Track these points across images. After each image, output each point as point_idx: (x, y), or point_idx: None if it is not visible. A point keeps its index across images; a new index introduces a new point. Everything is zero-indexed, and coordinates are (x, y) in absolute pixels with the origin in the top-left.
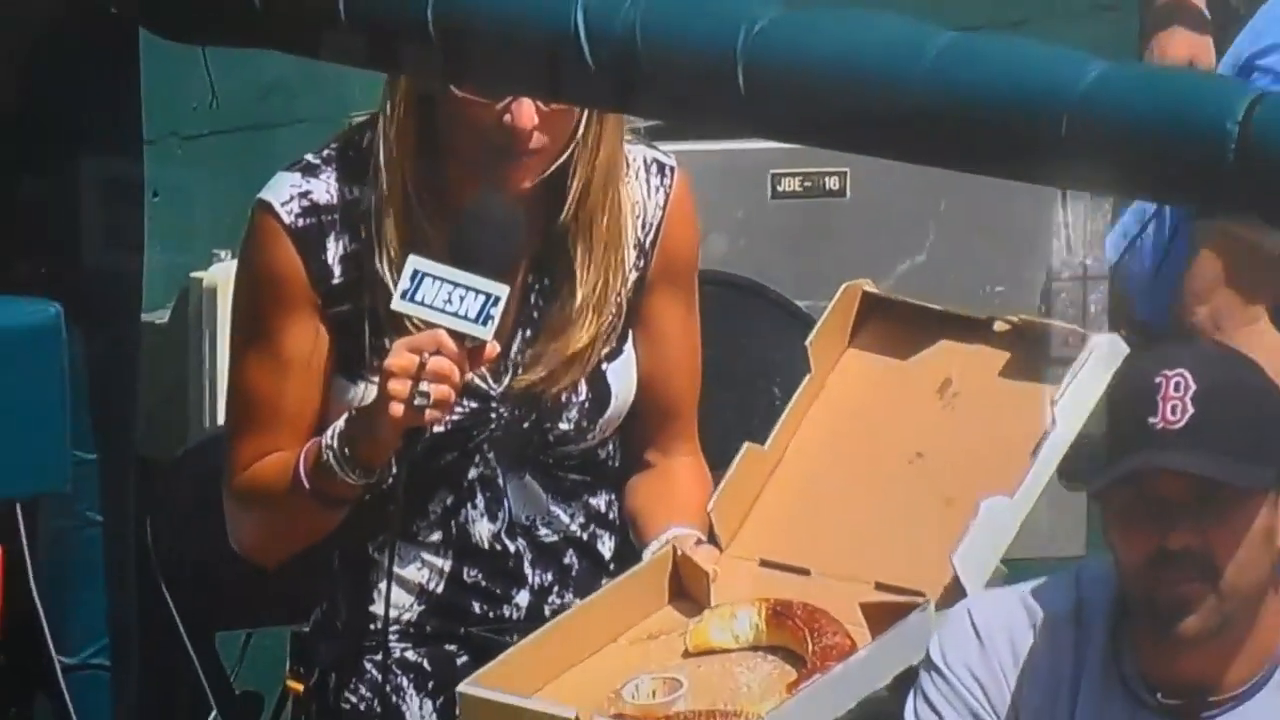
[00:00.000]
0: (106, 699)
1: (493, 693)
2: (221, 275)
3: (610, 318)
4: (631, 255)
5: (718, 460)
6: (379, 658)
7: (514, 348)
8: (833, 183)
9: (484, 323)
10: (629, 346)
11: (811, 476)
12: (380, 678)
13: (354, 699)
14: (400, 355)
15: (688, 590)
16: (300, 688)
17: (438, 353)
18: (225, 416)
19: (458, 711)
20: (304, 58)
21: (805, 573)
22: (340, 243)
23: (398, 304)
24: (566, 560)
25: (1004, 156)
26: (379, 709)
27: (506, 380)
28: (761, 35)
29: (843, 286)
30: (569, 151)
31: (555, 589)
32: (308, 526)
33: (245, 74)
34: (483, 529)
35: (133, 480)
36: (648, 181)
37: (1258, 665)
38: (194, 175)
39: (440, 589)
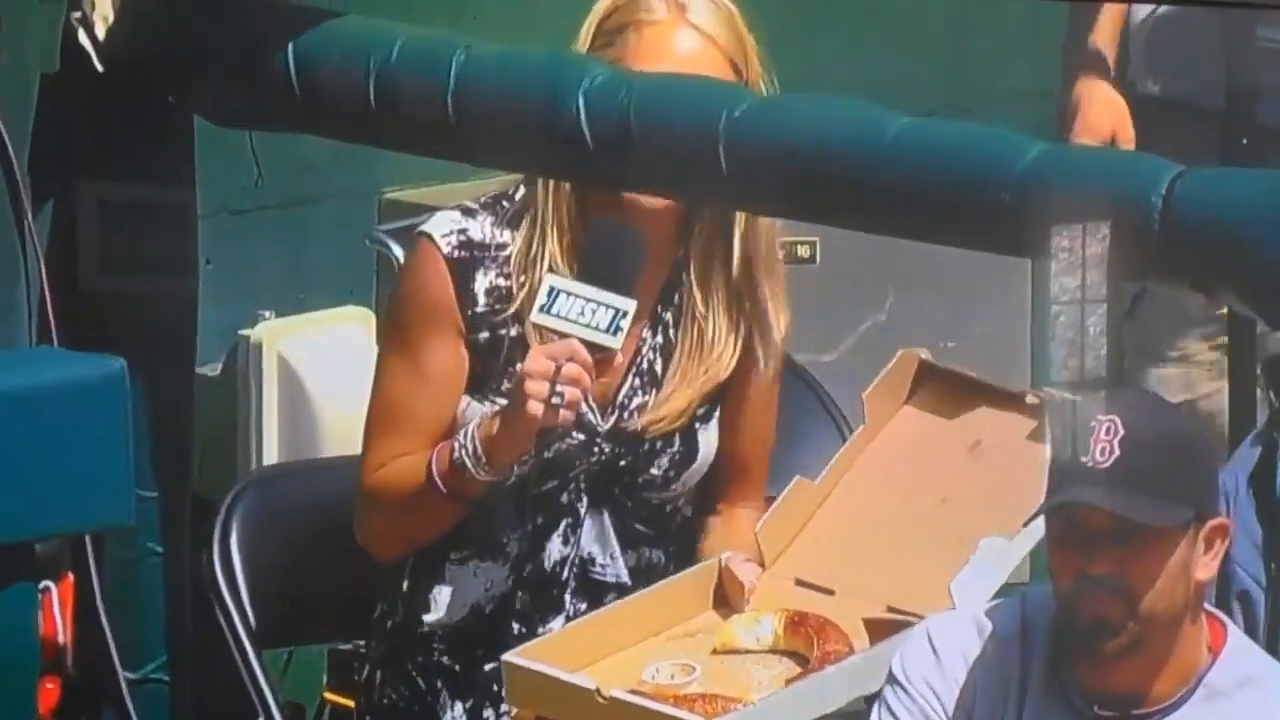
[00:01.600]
0: (166, 710)
1: (532, 663)
2: (266, 332)
3: (712, 383)
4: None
5: None
6: (421, 659)
7: (623, 391)
8: (804, 251)
9: (614, 333)
10: (718, 411)
11: (853, 511)
12: (419, 680)
13: (394, 696)
14: (538, 360)
15: (728, 598)
16: (339, 699)
17: (571, 359)
18: (366, 420)
19: (504, 676)
20: (339, 140)
21: (830, 593)
22: (488, 276)
23: (537, 317)
24: (605, 600)
25: (955, 226)
26: (416, 709)
27: (612, 420)
28: (741, 119)
29: (899, 353)
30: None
31: None
32: (429, 522)
33: (287, 155)
34: (553, 553)
35: (189, 515)
36: None
37: (1182, 680)
38: (242, 244)
39: (490, 609)
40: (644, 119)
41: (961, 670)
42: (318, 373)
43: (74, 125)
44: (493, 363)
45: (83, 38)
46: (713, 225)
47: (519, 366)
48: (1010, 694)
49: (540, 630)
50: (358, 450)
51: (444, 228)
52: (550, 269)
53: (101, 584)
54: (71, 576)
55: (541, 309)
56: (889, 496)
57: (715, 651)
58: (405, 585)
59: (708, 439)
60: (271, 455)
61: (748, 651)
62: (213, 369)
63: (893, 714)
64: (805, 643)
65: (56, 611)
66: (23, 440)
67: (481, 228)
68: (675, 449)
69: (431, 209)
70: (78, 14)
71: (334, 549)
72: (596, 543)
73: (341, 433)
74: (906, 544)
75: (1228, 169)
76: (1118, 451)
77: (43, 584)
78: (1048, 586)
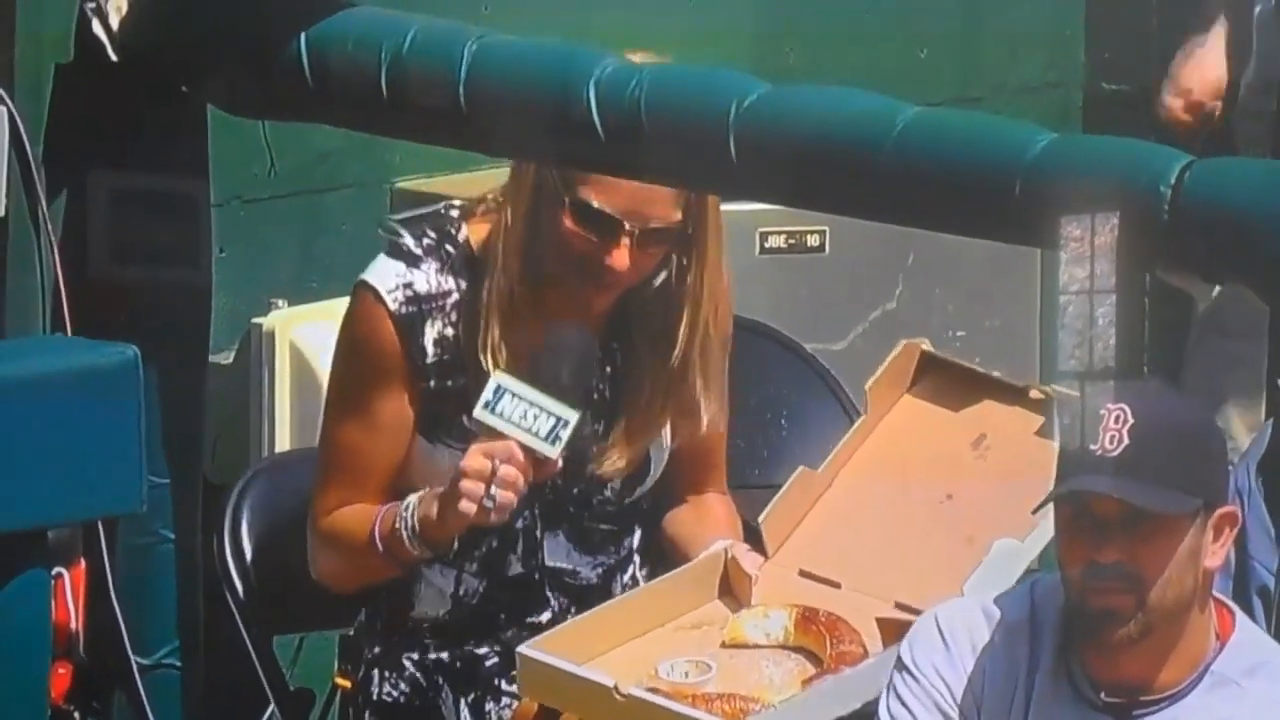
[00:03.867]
0: (177, 695)
1: (547, 656)
2: (279, 320)
3: (655, 433)
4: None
5: (729, 484)
6: (416, 656)
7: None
8: (813, 240)
9: (552, 442)
10: (668, 424)
11: (855, 503)
12: (418, 675)
13: (394, 694)
14: (476, 459)
15: (733, 589)
16: (348, 684)
17: (508, 462)
18: (317, 465)
19: (517, 670)
20: (352, 130)
21: (837, 586)
22: (435, 327)
23: (479, 414)
24: (586, 597)
25: (964, 217)
26: (417, 704)
27: (563, 458)
28: (750, 109)
29: (901, 343)
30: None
31: (572, 609)
32: (376, 572)
33: (300, 144)
34: (515, 568)
35: (200, 502)
36: None
37: (1189, 668)
38: (255, 233)
39: (474, 603)
40: (654, 108)
41: (970, 658)
42: (329, 361)
43: (88, 115)
44: (443, 408)
45: (97, 27)
46: (661, 303)
47: (466, 418)
48: (1019, 681)
49: (528, 621)
50: None
51: (388, 282)
52: (508, 310)
53: (113, 570)
54: (84, 563)
55: (486, 406)
56: (892, 490)
57: (724, 644)
58: (384, 588)
59: (660, 454)
60: (284, 442)
61: (756, 646)
62: (225, 357)
63: (902, 702)
64: (817, 640)
65: (69, 597)
66: (36, 427)
67: (427, 278)
68: (627, 471)
69: (444, 198)
70: (92, 4)
71: None
72: (557, 557)
73: None
74: (912, 539)
75: (1238, 159)
76: (1127, 440)
77: (55, 570)
78: (1056, 574)
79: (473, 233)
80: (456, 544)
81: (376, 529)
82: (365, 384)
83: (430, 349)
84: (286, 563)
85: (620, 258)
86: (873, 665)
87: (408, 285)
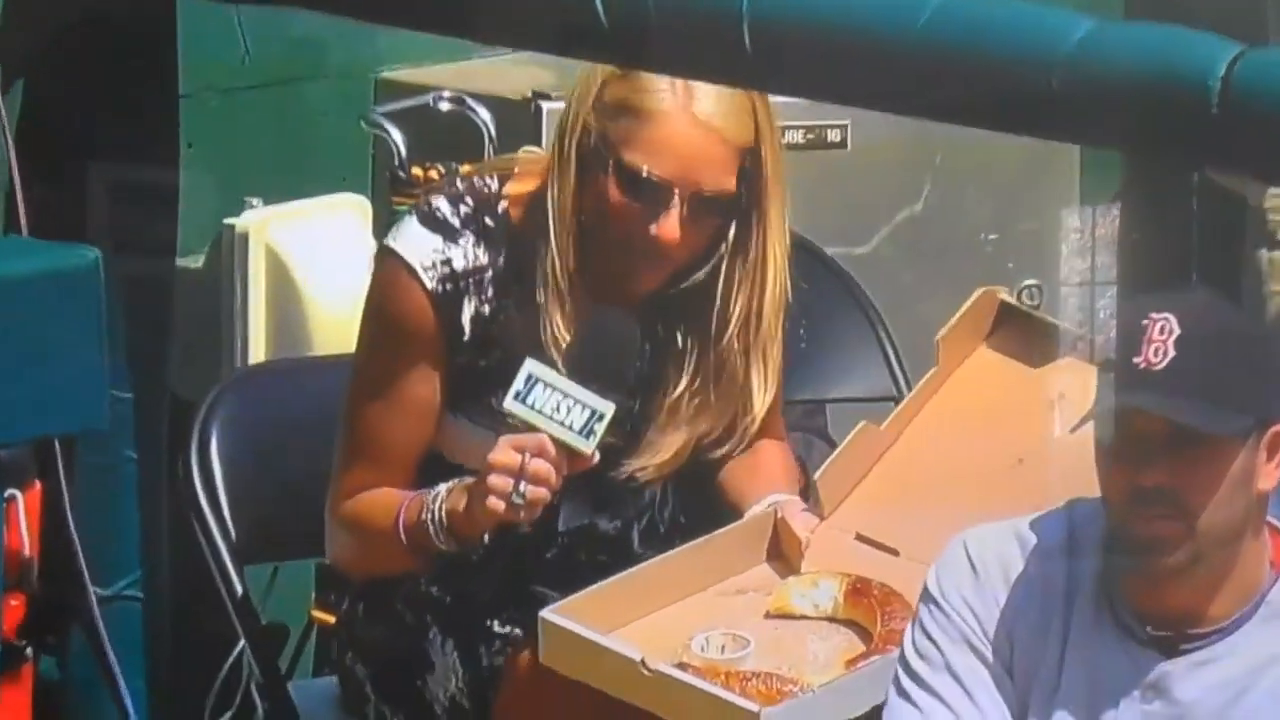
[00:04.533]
0: (139, 629)
1: (571, 623)
2: (254, 221)
3: (710, 422)
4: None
5: None
6: (404, 591)
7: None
8: (834, 135)
9: (586, 436)
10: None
11: (919, 464)
12: (405, 613)
13: (381, 631)
14: (505, 452)
15: (783, 552)
16: (328, 618)
17: (539, 455)
18: (338, 444)
19: (539, 635)
20: (332, 14)
21: (895, 553)
22: (472, 304)
23: (509, 404)
24: (606, 543)
25: (996, 111)
26: (403, 643)
27: (596, 459)
28: None
29: (979, 290)
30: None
31: (581, 552)
32: (398, 562)
33: (276, 30)
34: (523, 528)
35: (167, 419)
36: None
37: (1242, 599)
38: (227, 127)
39: (478, 553)
40: None
41: (1002, 587)
42: (309, 265)
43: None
44: (472, 385)
45: None
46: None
47: (494, 399)
48: (1055, 612)
49: (540, 558)
50: (349, 348)
51: (424, 256)
52: (560, 286)
53: (71, 493)
54: (39, 485)
55: (516, 396)
56: (960, 451)
57: (768, 614)
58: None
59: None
60: (258, 353)
61: (804, 618)
62: (195, 260)
63: (928, 635)
64: (868, 614)
65: (22, 522)
66: None
67: (464, 253)
68: (665, 471)
69: (432, 89)
70: None
71: (324, 455)
72: (574, 519)
73: (334, 329)
74: (977, 507)
75: None
76: (1172, 352)
77: (7, 492)
78: (1097, 497)
79: (512, 205)
80: (486, 539)
81: (401, 518)
82: (395, 363)
83: (468, 327)
84: (259, 485)
85: (670, 227)
86: None
87: (445, 261)
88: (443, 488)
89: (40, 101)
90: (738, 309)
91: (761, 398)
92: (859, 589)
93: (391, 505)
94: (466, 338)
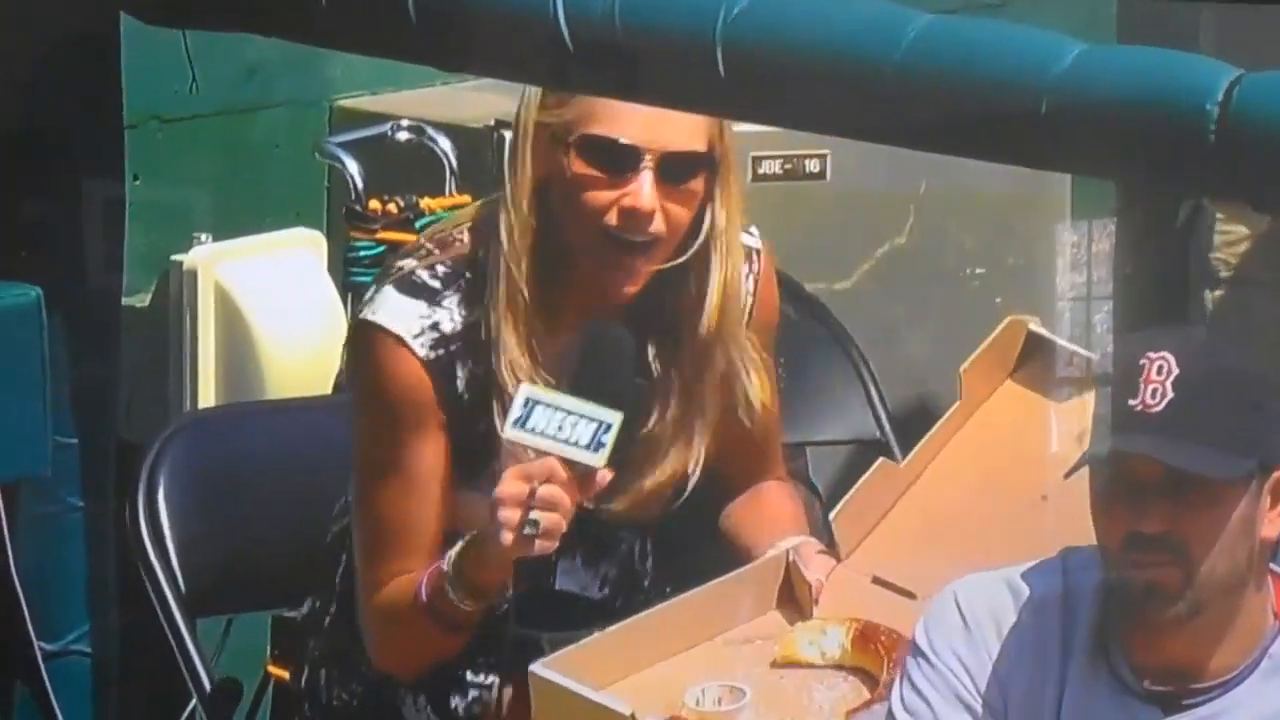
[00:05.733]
0: (88, 686)
1: (557, 677)
2: (203, 258)
3: (697, 448)
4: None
5: None
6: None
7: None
8: (813, 165)
9: (596, 450)
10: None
11: (940, 503)
12: (373, 673)
13: (346, 696)
14: (511, 483)
15: (795, 597)
16: (283, 673)
17: (548, 481)
18: (357, 540)
19: (530, 690)
20: (284, 40)
21: (912, 596)
22: (466, 367)
23: (510, 432)
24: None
25: (984, 139)
26: (373, 705)
27: (591, 505)
28: (740, 18)
29: (1006, 320)
30: (683, 258)
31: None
32: (433, 647)
33: (226, 57)
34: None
35: (114, 464)
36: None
37: (1244, 652)
38: (175, 158)
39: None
40: (630, 19)
41: (995, 641)
42: (261, 304)
43: None
44: (480, 451)
45: None
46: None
47: (496, 462)
48: (1050, 666)
49: (523, 600)
50: (305, 391)
51: (410, 324)
52: (525, 326)
53: (14, 543)
54: None
55: (516, 423)
56: (983, 490)
57: (774, 664)
58: (339, 582)
59: (693, 477)
60: (208, 396)
61: (810, 665)
62: (141, 299)
63: (917, 691)
64: (874, 660)
65: None
66: None
67: (450, 314)
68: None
69: (390, 117)
70: None
71: (277, 504)
72: (569, 581)
73: (287, 371)
74: (998, 547)
75: None
76: (1170, 393)
77: None
78: (1092, 545)
79: (482, 250)
80: (510, 589)
81: (423, 589)
82: (400, 439)
83: (465, 393)
84: (210, 535)
85: (644, 194)
86: None
87: (433, 326)
88: (455, 548)
89: None
90: (715, 296)
91: (750, 382)
92: (866, 634)
93: (414, 582)
94: (465, 401)
